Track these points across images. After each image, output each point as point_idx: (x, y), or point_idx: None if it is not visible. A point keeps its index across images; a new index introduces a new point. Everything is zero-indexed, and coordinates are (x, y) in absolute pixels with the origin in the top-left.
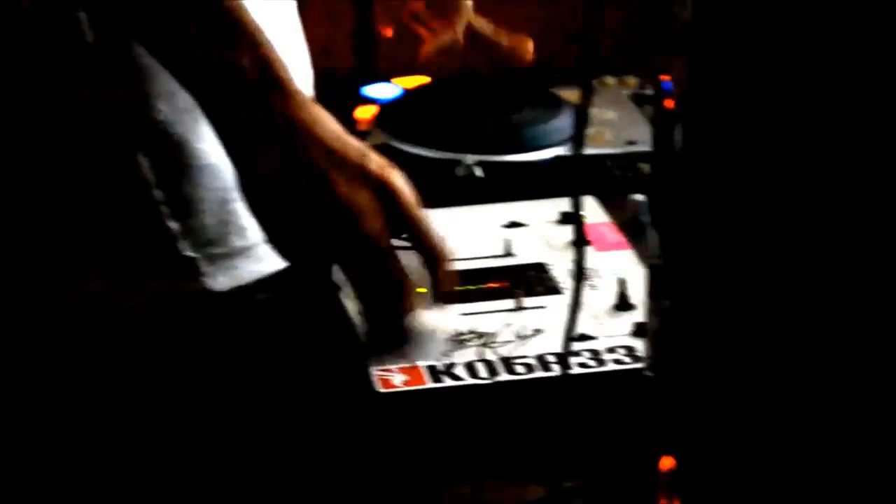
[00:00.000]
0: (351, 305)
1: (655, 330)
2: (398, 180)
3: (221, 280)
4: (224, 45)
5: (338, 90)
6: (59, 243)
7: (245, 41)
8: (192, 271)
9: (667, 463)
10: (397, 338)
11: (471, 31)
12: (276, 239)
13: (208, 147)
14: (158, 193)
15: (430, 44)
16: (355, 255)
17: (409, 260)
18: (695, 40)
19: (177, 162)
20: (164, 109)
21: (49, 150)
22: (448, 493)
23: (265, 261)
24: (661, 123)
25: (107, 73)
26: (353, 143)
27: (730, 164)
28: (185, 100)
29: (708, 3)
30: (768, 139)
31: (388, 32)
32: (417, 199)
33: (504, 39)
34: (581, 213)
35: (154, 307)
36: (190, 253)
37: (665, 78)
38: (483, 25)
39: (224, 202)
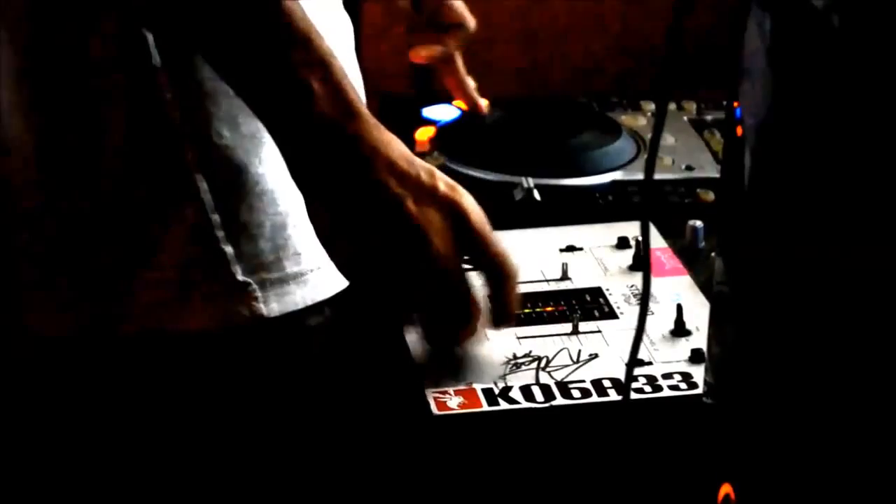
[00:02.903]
0: (408, 329)
1: (717, 357)
2: (467, 201)
3: (274, 306)
4: (296, 68)
5: (398, 111)
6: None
7: (317, 65)
8: (244, 296)
9: (724, 490)
10: (456, 360)
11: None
12: (342, 263)
13: (268, 172)
14: (215, 217)
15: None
16: (424, 276)
17: (475, 281)
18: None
19: (236, 186)
20: (226, 134)
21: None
22: None
23: (318, 287)
24: (731, 150)
25: (171, 95)
26: (422, 165)
27: (803, 193)
28: (248, 125)
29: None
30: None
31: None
32: (487, 219)
33: (466, 90)
34: (639, 238)
35: (207, 331)
36: (243, 277)
37: (736, 105)
38: (460, 67)
39: (280, 228)
